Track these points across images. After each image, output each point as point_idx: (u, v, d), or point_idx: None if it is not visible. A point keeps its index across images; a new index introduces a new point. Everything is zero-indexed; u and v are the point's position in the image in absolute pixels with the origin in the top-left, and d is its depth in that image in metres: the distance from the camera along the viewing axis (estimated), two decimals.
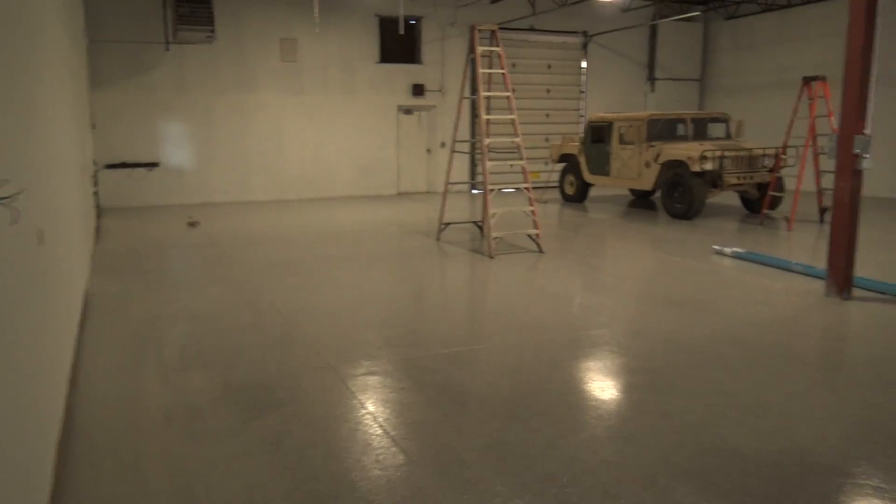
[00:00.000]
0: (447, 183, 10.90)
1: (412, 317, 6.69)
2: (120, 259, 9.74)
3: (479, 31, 9.96)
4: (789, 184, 13.17)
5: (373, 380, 4.96)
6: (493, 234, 9.56)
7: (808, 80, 11.51)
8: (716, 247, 9.74)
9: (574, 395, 4.64)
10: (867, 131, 6.82)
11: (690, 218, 12.76)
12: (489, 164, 10.07)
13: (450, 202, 14.96)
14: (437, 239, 10.93)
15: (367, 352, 5.57)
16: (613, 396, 4.64)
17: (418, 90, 17.75)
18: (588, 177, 15.25)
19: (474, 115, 18.17)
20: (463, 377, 5.01)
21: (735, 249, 9.42)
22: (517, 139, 10.05)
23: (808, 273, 8.22)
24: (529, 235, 10.05)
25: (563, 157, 16.10)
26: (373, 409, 4.43)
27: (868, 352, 5.53)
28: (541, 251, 9.77)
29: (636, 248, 10.28)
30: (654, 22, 18.79)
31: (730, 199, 15.23)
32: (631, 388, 4.80)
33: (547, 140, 18.88)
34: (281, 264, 9.20)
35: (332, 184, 17.43)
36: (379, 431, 4.12)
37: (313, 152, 17.16)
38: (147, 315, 6.76)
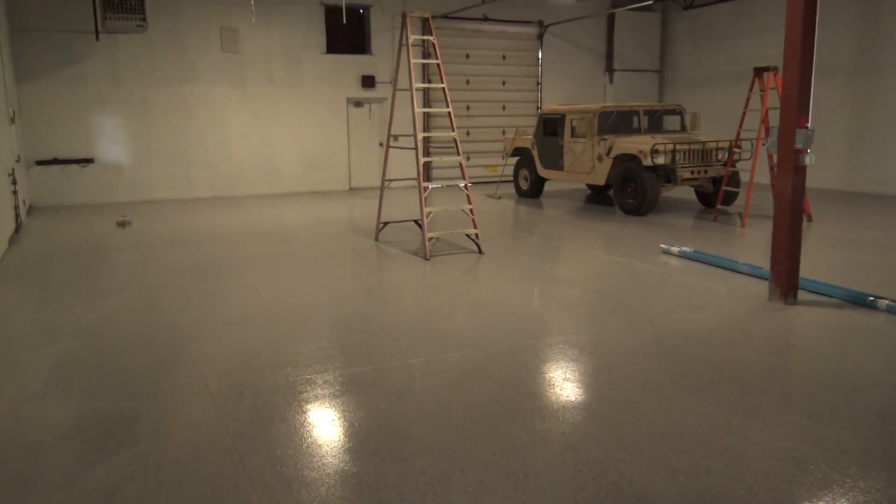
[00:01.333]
0: (384, 180, 10.33)
1: (323, 330, 6.13)
2: (29, 264, 9.07)
3: (412, 18, 9.39)
4: (745, 178, 12.81)
5: (254, 412, 4.40)
6: (429, 235, 9.02)
7: (759, 71, 11.10)
8: (663, 246, 9.30)
9: (472, 426, 4.12)
10: (809, 125, 6.38)
11: (643, 214, 12.33)
12: (431, 159, 9.55)
13: (398, 199, 14.45)
14: (376, 239, 10.38)
15: (259, 375, 5.01)
16: (516, 427, 4.13)
17: (368, 82, 17.12)
18: (541, 171, 14.78)
19: (427, 105, 17.64)
20: (358, 405, 4.47)
21: (682, 248, 8.99)
22: (453, 133, 9.49)
23: (755, 274, 7.80)
24: (468, 235, 9.52)
25: (517, 151, 15.61)
26: (242, 452, 3.87)
27: (806, 368, 5.09)
28: (480, 252, 9.26)
29: (582, 249, 9.81)
30: (612, 11, 18.35)
31: (686, 193, 14.85)
32: (539, 414, 4.30)
33: (504, 133, 18.39)
34: (204, 268, 8.60)
35: (279, 179, 16.77)
36: (241, 479, 3.57)
37: (259, 147, 16.47)
38: (29, 329, 6.13)
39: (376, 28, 17.11)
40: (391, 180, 10.37)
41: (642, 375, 4.89)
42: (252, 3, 14.24)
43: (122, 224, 12.07)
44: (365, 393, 4.64)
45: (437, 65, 9.54)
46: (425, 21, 9.58)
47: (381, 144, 17.68)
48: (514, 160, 15.92)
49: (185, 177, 15.90)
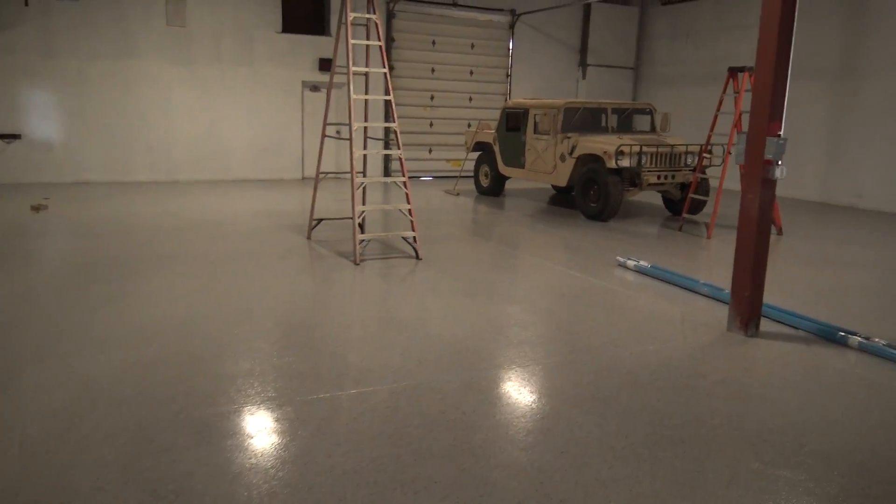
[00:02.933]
0: (318, 173, 9.40)
1: (199, 355, 5.19)
2: None
3: None
4: (715, 184, 12.03)
5: (64, 474, 3.47)
6: (360, 237, 8.10)
7: (734, 72, 10.29)
8: (620, 258, 8.47)
9: (334, 500, 3.24)
10: (782, 133, 5.55)
11: (606, 219, 11.51)
12: (360, 151, 8.65)
13: (347, 192, 13.49)
14: (308, 237, 9.44)
15: (95, 415, 4.07)
16: None
17: (326, 65, 16.09)
18: (502, 168, 13.89)
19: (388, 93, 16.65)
20: (192, 474, 3.56)
21: (639, 263, 8.16)
22: (393, 124, 8.57)
23: (715, 297, 7.00)
24: (406, 239, 8.62)
25: (479, 146, 14.71)
26: None
27: (764, 425, 4.26)
28: (418, 258, 8.36)
29: (533, 258, 8.94)
30: (588, 1, 17.43)
31: (654, 197, 14.08)
32: (424, 486, 3.41)
33: (469, 126, 17.48)
34: (105, 266, 7.61)
35: (227, 165, 15.72)
36: None
37: (206, 129, 15.40)
38: None
39: (336, 8, 16.07)
40: (326, 173, 9.46)
41: (567, 431, 4.03)
42: None
43: (37, 208, 11.00)
44: (216, 448, 3.73)
45: (380, 47, 8.63)
46: None
47: (338, 132, 16.66)
48: (476, 155, 15.04)
49: (123, 158, 14.80)
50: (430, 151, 17.63)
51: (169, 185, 14.58)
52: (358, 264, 7.97)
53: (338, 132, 16.55)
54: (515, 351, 5.37)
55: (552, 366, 5.07)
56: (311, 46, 16.05)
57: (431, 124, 17.53)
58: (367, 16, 8.59)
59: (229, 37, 15.23)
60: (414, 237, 8.40)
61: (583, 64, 18.89)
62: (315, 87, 16.32)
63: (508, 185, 15.83)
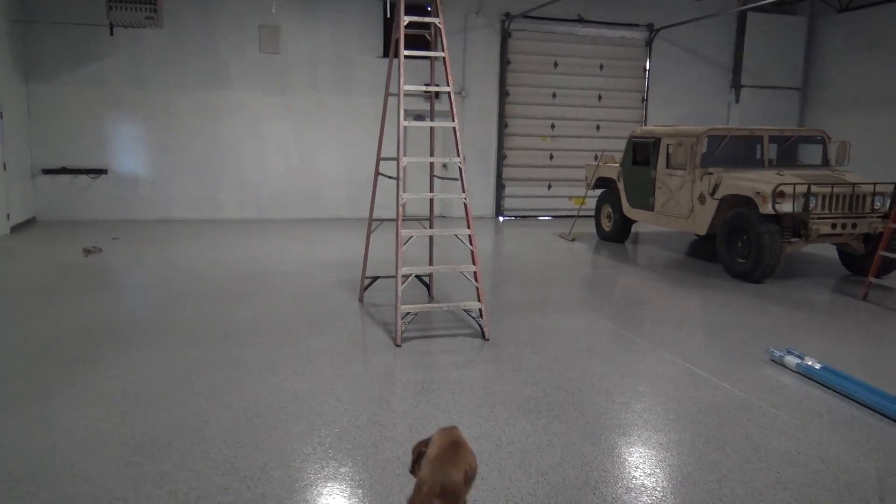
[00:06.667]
0: (371, 220, 7.57)
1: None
2: None
3: None
4: None
5: None
6: (403, 309, 6.07)
7: None
8: (774, 351, 5.87)
9: None
10: None
11: (759, 281, 8.78)
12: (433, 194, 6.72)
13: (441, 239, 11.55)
14: (360, 300, 7.57)
15: None
16: None
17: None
18: (627, 210, 11.44)
19: (502, 122, 14.77)
20: None
21: (804, 361, 5.54)
22: (458, 159, 6.56)
23: None
24: (468, 311, 6.49)
25: (601, 182, 12.36)
26: None
27: None
28: (484, 338, 6.21)
29: (647, 343, 6.48)
30: (743, 8, 14.55)
31: (826, 248, 11.04)
32: None
33: (597, 158, 15.12)
34: (93, 334, 6.14)
35: (320, 203, 14.34)
36: None
37: (299, 164, 14.13)
38: None
39: (444, 28, 14.34)
40: (380, 220, 7.62)
41: None
42: None
43: (88, 252, 9.94)
44: None
45: (444, 59, 6.73)
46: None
47: (444, 166, 14.85)
48: (599, 193, 12.69)
49: (211, 195, 13.79)
50: (550, 188, 15.41)
51: (257, 224, 13.37)
52: (399, 345, 5.94)
53: (444, 166, 14.80)
54: None
55: None
56: (416, 71, 14.39)
57: (551, 156, 15.33)
58: (428, 20, 6.68)
59: (326, 64, 13.92)
60: (480, 310, 6.25)
61: (736, 85, 15.97)
62: (419, 117, 14.62)
63: (638, 227, 13.30)
